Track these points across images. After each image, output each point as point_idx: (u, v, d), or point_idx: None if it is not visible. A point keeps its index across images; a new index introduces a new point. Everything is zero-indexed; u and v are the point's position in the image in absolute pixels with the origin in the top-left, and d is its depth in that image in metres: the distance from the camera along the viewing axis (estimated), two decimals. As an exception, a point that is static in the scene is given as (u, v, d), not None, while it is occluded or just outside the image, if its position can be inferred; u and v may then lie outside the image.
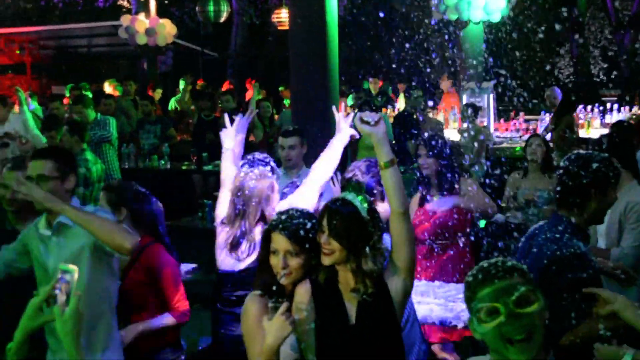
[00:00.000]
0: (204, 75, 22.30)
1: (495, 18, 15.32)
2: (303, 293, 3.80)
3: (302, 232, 3.81)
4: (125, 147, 13.25)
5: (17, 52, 26.66)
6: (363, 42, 21.94)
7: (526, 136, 11.42)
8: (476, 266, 3.01)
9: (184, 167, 13.04)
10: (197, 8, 18.78)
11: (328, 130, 6.66)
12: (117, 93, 16.92)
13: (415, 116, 12.67)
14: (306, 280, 3.84)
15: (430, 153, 6.52)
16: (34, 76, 26.74)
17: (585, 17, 19.06)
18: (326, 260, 3.69)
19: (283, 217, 3.91)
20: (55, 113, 11.89)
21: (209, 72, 23.22)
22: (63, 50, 27.86)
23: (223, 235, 5.17)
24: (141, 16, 19.24)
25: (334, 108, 6.01)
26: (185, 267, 7.34)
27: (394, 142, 13.12)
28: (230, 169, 5.42)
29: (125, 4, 20.21)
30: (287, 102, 16.80)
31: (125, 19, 19.05)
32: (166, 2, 25.09)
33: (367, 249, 3.68)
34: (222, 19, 18.60)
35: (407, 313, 4.25)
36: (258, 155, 5.30)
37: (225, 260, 5.17)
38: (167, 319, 5.18)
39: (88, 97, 11.64)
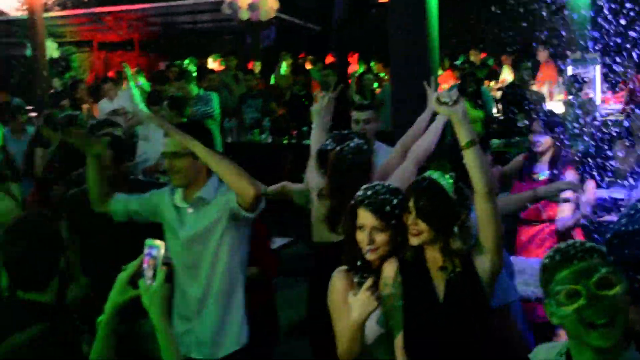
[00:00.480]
0: (307, 49, 22.30)
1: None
2: (390, 270, 3.80)
3: (388, 208, 3.83)
4: (227, 121, 13.40)
5: (126, 29, 27.20)
6: (464, 14, 21.61)
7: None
8: (552, 248, 2.93)
9: (284, 141, 13.10)
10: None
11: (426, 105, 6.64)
12: (221, 68, 17.07)
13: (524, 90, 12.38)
14: (394, 258, 3.83)
15: (548, 131, 6.48)
16: (142, 53, 27.25)
17: None
18: (414, 241, 3.69)
19: (369, 192, 3.92)
20: (158, 89, 12.12)
21: (312, 45, 23.19)
22: (169, 26, 28.22)
23: (321, 209, 5.17)
24: (244, -8, 19.35)
25: (425, 83, 5.96)
26: (281, 240, 7.44)
27: (499, 115, 12.94)
28: (318, 142, 5.46)
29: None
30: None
31: (229, -5, 19.18)
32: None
33: (455, 228, 3.66)
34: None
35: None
36: (343, 131, 5.30)
37: (324, 234, 5.18)
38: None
39: (190, 73, 11.78)
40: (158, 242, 3.01)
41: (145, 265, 2.98)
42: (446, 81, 15.17)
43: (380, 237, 3.85)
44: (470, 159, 3.65)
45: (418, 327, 3.70)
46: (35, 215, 3.70)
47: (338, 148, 4.97)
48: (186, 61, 18.26)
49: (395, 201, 3.85)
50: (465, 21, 20.79)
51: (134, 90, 10.29)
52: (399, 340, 3.72)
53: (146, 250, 3.01)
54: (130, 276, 3.04)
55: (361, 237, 3.88)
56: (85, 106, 12.37)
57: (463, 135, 3.65)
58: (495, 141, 11.50)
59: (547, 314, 2.90)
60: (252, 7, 18.87)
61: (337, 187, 4.94)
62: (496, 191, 3.83)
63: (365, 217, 3.86)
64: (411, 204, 3.66)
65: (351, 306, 3.70)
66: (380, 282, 3.79)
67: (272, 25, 20.90)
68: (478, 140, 3.69)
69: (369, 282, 3.68)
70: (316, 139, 5.60)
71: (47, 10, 32.06)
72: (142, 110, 10.24)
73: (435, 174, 3.72)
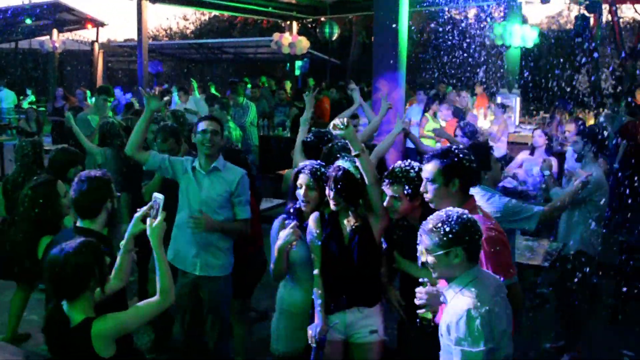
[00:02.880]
0: (330, 77, 22.27)
1: (529, 44, 14.82)
2: (314, 220, 3.76)
3: (319, 173, 3.82)
4: (262, 121, 13.38)
5: (209, 55, 27.44)
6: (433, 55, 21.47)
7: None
8: None
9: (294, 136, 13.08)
10: (317, 30, 18.71)
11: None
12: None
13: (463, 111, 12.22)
14: (316, 212, 3.80)
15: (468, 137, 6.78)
16: (217, 72, 27.43)
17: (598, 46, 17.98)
18: (333, 208, 3.66)
19: (307, 164, 3.93)
20: (211, 95, 12.28)
21: (334, 74, 23.13)
22: (238, 55, 28.36)
23: None
24: (286, 34, 19.35)
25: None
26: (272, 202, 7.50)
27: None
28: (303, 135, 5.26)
29: (281, 24, 20.27)
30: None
31: (275, 36, 19.20)
32: (308, 24, 25.21)
33: (360, 200, 3.64)
34: (334, 37, 18.45)
35: None
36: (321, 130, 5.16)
37: None
38: None
39: (238, 87, 11.83)
40: (161, 196, 3.14)
41: (152, 210, 3.12)
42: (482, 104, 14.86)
43: (313, 194, 3.83)
44: (361, 163, 3.53)
45: (330, 260, 3.67)
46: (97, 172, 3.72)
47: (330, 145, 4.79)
48: (246, 79, 18.30)
49: (322, 169, 3.84)
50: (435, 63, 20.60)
51: (197, 96, 10.51)
52: (317, 271, 3.71)
53: (153, 199, 3.14)
54: (142, 216, 3.15)
55: (300, 193, 3.85)
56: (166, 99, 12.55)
57: (355, 148, 3.49)
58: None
59: None
60: (291, 45, 18.87)
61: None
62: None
63: (303, 179, 3.84)
64: (332, 184, 3.60)
65: (279, 237, 3.76)
66: (307, 228, 3.77)
67: (305, 58, 20.84)
68: (365, 150, 3.55)
69: (294, 223, 3.76)
70: (301, 134, 5.42)
71: (158, 39, 32.34)
72: (202, 112, 10.48)
73: (345, 163, 3.63)
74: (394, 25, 9.97)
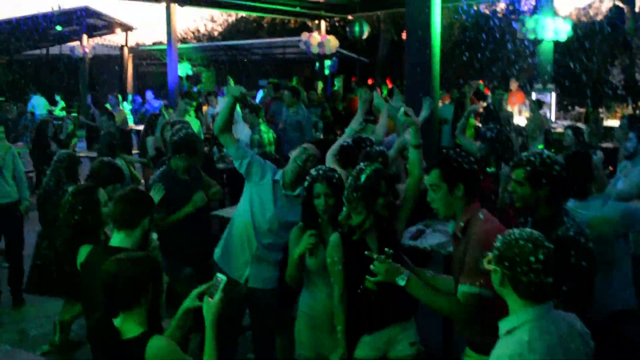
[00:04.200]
0: (358, 75, 22.20)
1: (562, 37, 14.55)
2: (334, 244, 3.59)
3: (334, 180, 3.78)
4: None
5: (238, 56, 27.50)
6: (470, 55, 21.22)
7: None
8: None
9: (330, 137, 12.98)
10: (347, 28, 18.59)
11: (430, 117, 6.45)
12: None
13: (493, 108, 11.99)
14: (336, 235, 3.61)
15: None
16: (247, 73, 27.50)
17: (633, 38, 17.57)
18: (355, 220, 3.52)
19: (320, 172, 3.85)
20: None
21: (362, 73, 23.04)
22: (267, 56, 28.40)
23: None
24: (315, 33, 19.29)
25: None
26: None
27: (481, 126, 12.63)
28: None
29: (309, 23, 20.22)
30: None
31: (304, 36, 19.14)
32: (335, 23, 25.13)
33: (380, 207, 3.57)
34: (365, 36, 18.31)
35: None
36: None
37: None
38: None
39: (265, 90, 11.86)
40: (223, 277, 3.00)
41: (212, 288, 2.99)
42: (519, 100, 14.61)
43: (331, 201, 3.75)
44: (414, 155, 3.60)
45: (360, 281, 3.33)
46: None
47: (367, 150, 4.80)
48: (272, 80, 18.28)
49: (337, 175, 3.81)
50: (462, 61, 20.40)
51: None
52: (336, 296, 3.58)
53: (215, 279, 3.00)
54: (200, 293, 3.02)
55: (317, 202, 3.78)
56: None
57: (415, 138, 3.56)
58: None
59: None
60: (320, 45, 18.81)
61: None
62: None
63: (321, 188, 3.77)
64: (348, 195, 3.51)
65: (297, 244, 3.74)
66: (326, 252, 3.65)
67: (334, 57, 20.75)
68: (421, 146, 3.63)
69: (311, 231, 3.71)
70: (345, 137, 5.23)
71: (186, 42, 32.53)
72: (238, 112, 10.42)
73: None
74: (426, 21, 9.81)
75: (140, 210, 3.53)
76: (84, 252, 3.63)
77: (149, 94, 17.20)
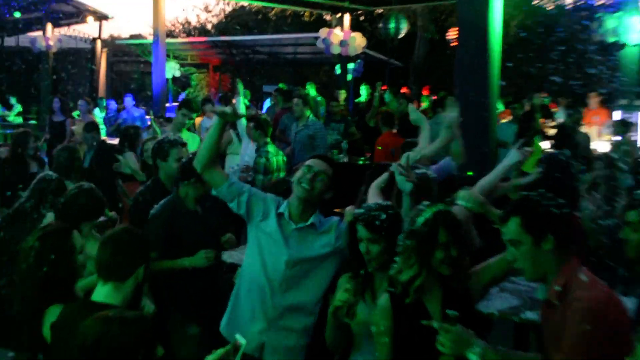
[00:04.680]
0: (389, 82, 22.12)
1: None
2: (382, 309, 3.50)
3: (377, 222, 3.69)
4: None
5: (237, 56, 27.67)
6: (530, 60, 21.10)
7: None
8: None
9: (360, 162, 12.76)
10: (379, 25, 18.56)
11: (484, 137, 6.24)
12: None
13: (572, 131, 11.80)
14: (385, 299, 3.51)
15: None
16: (247, 78, 27.55)
17: None
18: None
19: (363, 210, 3.82)
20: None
21: (394, 79, 22.97)
22: (273, 56, 28.47)
23: None
24: (337, 29, 19.26)
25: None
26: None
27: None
28: None
29: (328, 17, 20.27)
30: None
31: (323, 32, 19.17)
32: (361, 18, 25.15)
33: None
34: (401, 35, 18.25)
35: None
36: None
37: None
38: None
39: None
40: (243, 340, 3.02)
41: (228, 356, 2.98)
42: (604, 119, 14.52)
43: (375, 248, 3.68)
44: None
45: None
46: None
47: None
48: (282, 85, 18.26)
49: (383, 216, 3.71)
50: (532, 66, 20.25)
51: (242, 101, 10.26)
52: None
53: (234, 343, 3.01)
54: (219, 357, 2.97)
55: (362, 248, 3.75)
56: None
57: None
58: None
59: None
60: (342, 44, 18.80)
61: None
62: None
63: (361, 231, 3.72)
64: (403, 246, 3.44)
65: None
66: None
67: (359, 59, 20.70)
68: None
69: (351, 284, 3.70)
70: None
71: (174, 36, 32.78)
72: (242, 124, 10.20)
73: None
74: (483, 18, 9.64)
75: (134, 257, 3.50)
76: (54, 312, 3.53)
77: (129, 100, 16.89)
